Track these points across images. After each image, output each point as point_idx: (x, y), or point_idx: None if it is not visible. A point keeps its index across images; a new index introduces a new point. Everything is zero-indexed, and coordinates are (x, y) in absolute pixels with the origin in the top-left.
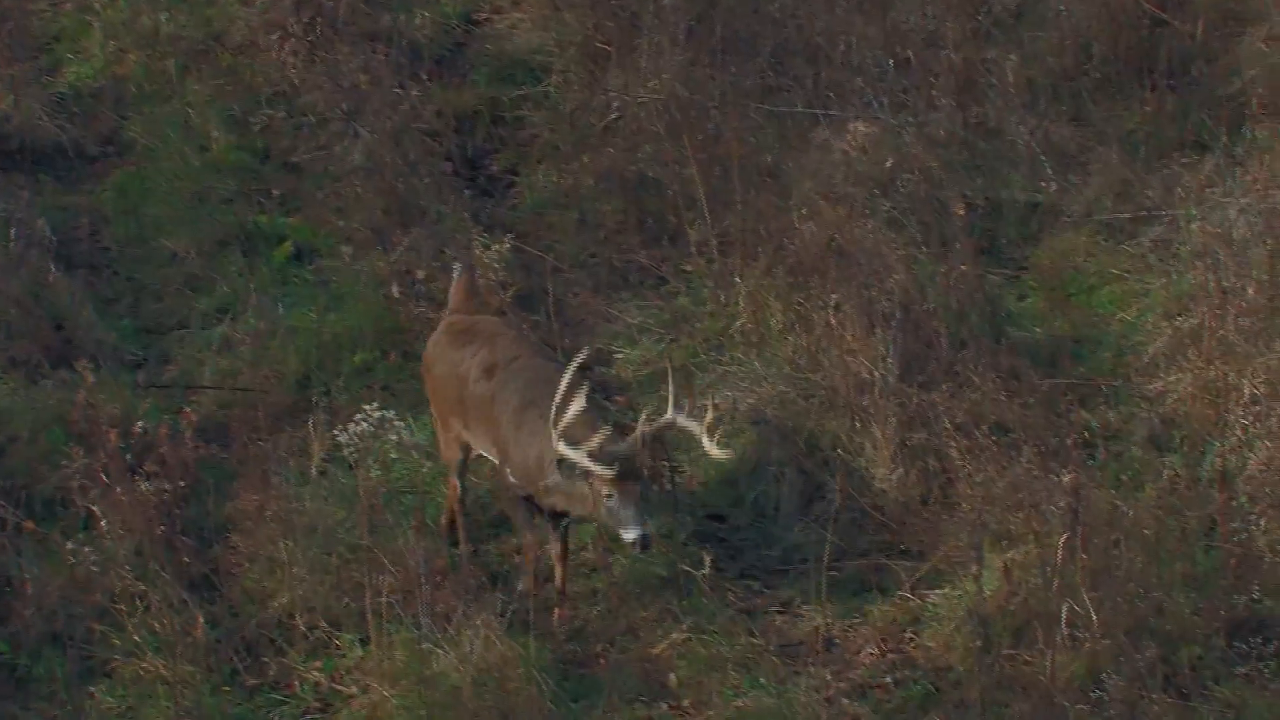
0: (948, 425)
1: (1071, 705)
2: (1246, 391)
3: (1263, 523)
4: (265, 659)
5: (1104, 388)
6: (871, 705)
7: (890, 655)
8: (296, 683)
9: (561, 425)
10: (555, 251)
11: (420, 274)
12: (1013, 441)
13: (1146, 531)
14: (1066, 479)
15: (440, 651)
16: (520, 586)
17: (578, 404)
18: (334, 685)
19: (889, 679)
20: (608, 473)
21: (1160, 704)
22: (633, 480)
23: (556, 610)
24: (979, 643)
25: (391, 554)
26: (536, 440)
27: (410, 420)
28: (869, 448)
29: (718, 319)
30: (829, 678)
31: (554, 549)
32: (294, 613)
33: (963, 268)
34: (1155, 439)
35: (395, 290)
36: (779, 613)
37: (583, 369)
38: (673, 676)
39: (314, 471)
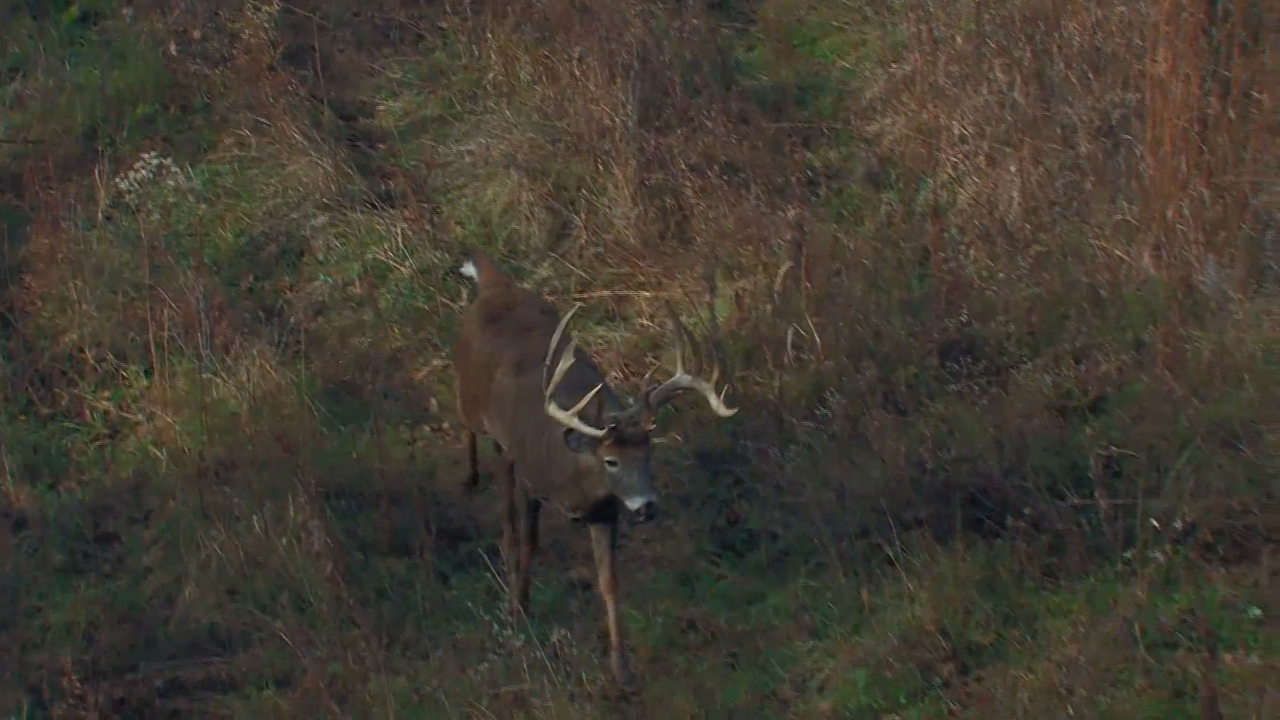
0: (683, 166)
1: (798, 421)
2: (956, 131)
3: (971, 252)
4: (58, 390)
5: (825, 130)
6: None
7: (633, 378)
8: (87, 411)
9: (551, 387)
10: (321, 11)
11: (196, 34)
12: (742, 180)
13: (865, 262)
14: (791, 214)
15: (219, 380)
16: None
17: (566, 360)
18: (122, 413)
19: (631, 399)
20: (598, 433)
21: (879, 419)
22: (634, 446)
23: (614, 662)
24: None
25: (172, 291)
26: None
27: (188, 167)
28: (611, 188)
29: (471, 72)
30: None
31: (602, 577)
32: (84, 347)
33: (695, 22)
34: (873, 176)
35: (173, 49)
36: None
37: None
38: (434, 401)
39: (100, 217)
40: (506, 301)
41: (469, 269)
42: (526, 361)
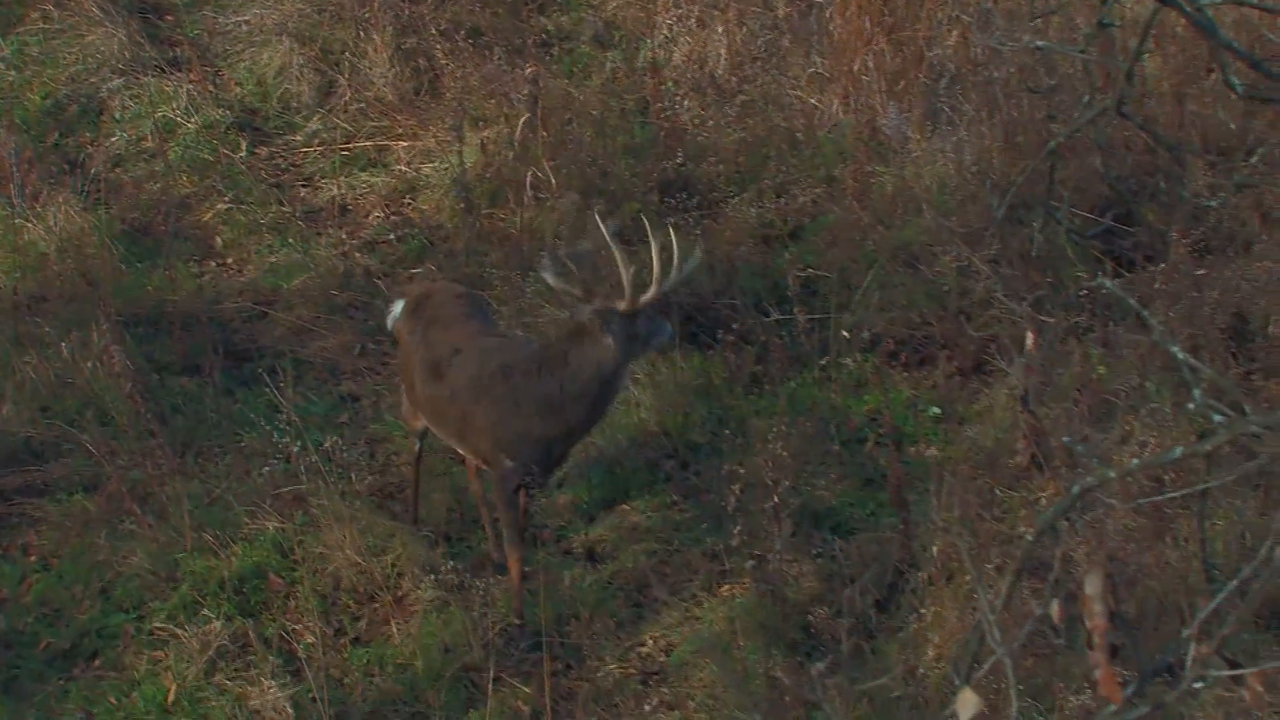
0: (434, 31)
1: (534, 251)
2: None
3: (685, 103)
4: None
5: None
6: (379, 257)
7: (393, 217)
8: None
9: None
10: None
11: None
12: (486, 43)
13: (594, 112)
14: (529, 71)
15: (30, 225)
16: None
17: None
18: None
19: (392, 236)
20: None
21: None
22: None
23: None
24: (462, 205)
25: None
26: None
27: None
28: (371, 51)
29: None
30: (344, 237)
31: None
32: None
33: None
34: (599, 38)
35: None
36: (303, 185)
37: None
38: (219, 240)
39: None
40: (424, 290)
41: (396, 309)
42: (440, 364)
